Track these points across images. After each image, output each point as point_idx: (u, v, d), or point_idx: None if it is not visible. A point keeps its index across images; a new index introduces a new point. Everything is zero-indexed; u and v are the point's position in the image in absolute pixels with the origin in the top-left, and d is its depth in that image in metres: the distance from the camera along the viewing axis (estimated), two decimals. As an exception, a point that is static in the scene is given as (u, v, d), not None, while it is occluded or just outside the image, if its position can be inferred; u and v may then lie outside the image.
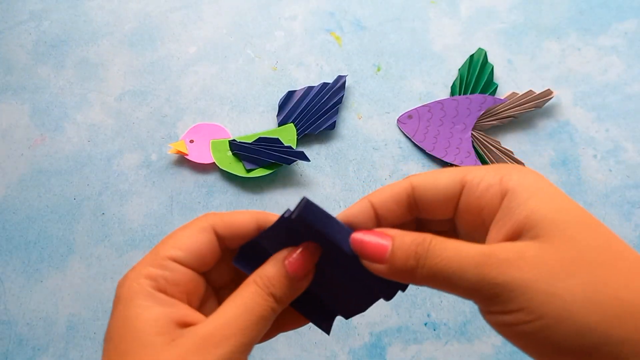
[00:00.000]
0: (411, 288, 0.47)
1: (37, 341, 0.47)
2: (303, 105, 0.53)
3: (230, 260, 0.25)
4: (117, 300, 0.22)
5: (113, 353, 0.21)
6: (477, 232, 0.21)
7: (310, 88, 0.54)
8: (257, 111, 0.55)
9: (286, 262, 0.23)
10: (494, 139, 0.52)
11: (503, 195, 0.19)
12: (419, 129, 0.53)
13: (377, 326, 0.46)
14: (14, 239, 0.50)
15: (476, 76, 0.54)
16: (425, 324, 0.46)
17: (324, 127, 0.53)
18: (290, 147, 0.51)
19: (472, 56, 0.55)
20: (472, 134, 0.52)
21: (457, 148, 0.52)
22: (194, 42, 0.58)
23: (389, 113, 0.54)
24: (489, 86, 0.54)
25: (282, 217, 0.23)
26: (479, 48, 0.55)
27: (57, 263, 0.49)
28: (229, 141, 0.52)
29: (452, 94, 0.54)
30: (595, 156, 0.51)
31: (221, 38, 0.58)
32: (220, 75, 0.56)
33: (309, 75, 0.56)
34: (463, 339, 0.45)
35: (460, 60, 0.56)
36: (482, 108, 0.52)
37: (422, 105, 0.54)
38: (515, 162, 0.51)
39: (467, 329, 0.45)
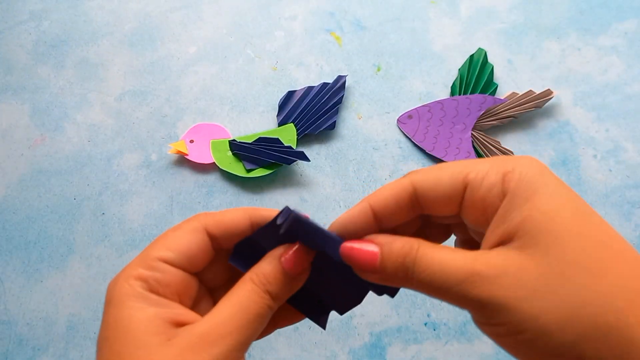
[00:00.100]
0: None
1: (37, 341, 0.47)
2: (303, 105, 0.53)
3: (225, 260, 0.25)
4: (108, 302, 0.22)
5: (108, 355, 0.20)
6: (484, 227, 0.21)
7: (310, 88, 0.54)
8: (257, 111, 0.55)
9: (282, 259, 0.23)
10: (494, 139, 0.52)
11: (504, 196, 0.19)
12: (419, 129, 0.53)
13: (377, 326, 0.46)
14: (14, 239, 0.50)
15: (476, 76, 0.54)
16: (425, 324, 0.46)
17: (324, 127, 0.53)
18: (290, 147, 0.51)
19: (472, 56, 0.55)
20: (472, 134, 0.52)
21: (457, 148, 0.52)
22: (194, 42, 0.58)
23: (389, 113, 0.54)
24: (489, 86, 0.54)
25: (275, 219, 0.23)
26: (479, 48, 0.55)
27: (57, 263, 0.49)
28: (229, 141, 0.52)
29: (452, 94, 0.54)
30: (595, 156, 0.51)
31: (221, 38, 0.58)
32: (220, 75, 0.56)
33: (309, 75, 0.56)
34: (463, 339, 0.45)
35: (460, 60, 0.56)
36: (482, 108, 0.52)
37: (422, 105, 0.54)
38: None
39: (467, 329, 0.45)
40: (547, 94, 0.52)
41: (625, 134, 0.52)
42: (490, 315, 0.18)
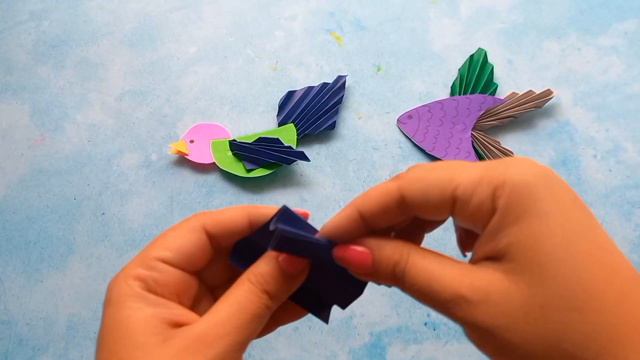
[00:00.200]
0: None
1: (37, 341, 0.47)
2: (303, 105, 0.53)
3: (226, 259, 0.25)
4: (107, 302, 0.22)
5: (106, 355, 0.20)
6: (478, 231, 0.21)
7: (310, 88, 0.54)
8: (257, 111, 0.55)
9: (280, 258, 0.22)
10: (494, 139, 0.52)
11: (493, 212, 0.19)
12: (419, 129, 0.53)
13: (377, 326, 0.46)
14: (14, 239, 0.50)
15: (476, 76, 0.54)
16: (425, 324, 0.46)
17: (324, 127, 0.53)
18: (290, 147, 0.51)
19: (472, 56, 0.55)
20: (472, 134, 0.52)
21: (457, 148, 0.52)
22: (194, 42, 0.58)
23: (389, 113, 0.54)
24: (489, 86, 0.54)
25: (271, 220, 0.23)
26: (479, 48, 0.55)
27: (57, 263, 0.49)
28: (229, 141, 0.52)
29: (452, 94, 0.54)
30: (595, 156, 0.51)
31: (221, 38, 0.58)
32: (220, 75, 0.56)
33: (309, 75, 0.56)
34: (463, 339, 0.45)
35: (460, 60, 0.56)
36: (482, 108, 0.52)
37: (422, 105, 0.54)
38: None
39: (467, 329, 0.45)
40: (547, 94, 0.52)
41: (625, 134, 0.52)
42: (476, 335, 0.19)
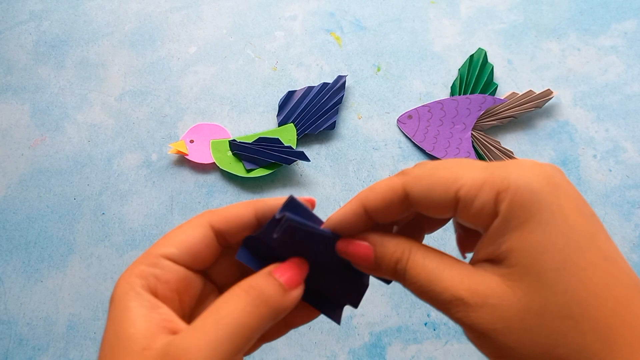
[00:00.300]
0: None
1: (37, 341, 0.47)
2: (303, 105, 0.53)
3: (234, 257, 0.25)
4: (111, 299, 0.22)
5: (101, 354, 0.21)
6: (481, 230, 0.21)
7: (310, 88, 0.54)
8: (257, 111, 0.55)
9: (276, 273, 0.22)
10: (494, 139, 0.52)
11: (496, 216, 0.19)
12: (419, 129, 0.53)
13: (377, 326, 0.46)
14: (14, 239, 0.50)
15: (476, 76, 0.54)
16: (425, 324, 0.46)
17: (324, 127, 0.53)
18: (290, 147, 0.51)
19: (472, 56, 0.55)
20: (472, 134, 0.52)
21: (457, 148, 0.52)
22: (194, 42, 0.58)
23: (389, 113, 0.54)
24: (489, 86, 0.54)
25: (274, 217, 0.22)
26: (479, 48, 0.55)
27: (57, 263, 0.49)
28: (229, 141, 0.52)
29: (452, 94, 0.54)
30: (595, 156, 0.51)
31: (221, 38, 0.58)
32: (220, 75, 0.56)
33: (309, 75, 0.56)
34: (463, 339, 0.45)
35: (460, 60, 0.56)
36: (482, 108, 0.53)
37: (422, 105, 0.54)
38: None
39: (467, 329, 0.45)
40: (547, 94, 0.52)
41: (625, 134, 0.52)
42: (474, 336, 0.19)
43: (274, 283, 0.21)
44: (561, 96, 0.54)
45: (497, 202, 0.18)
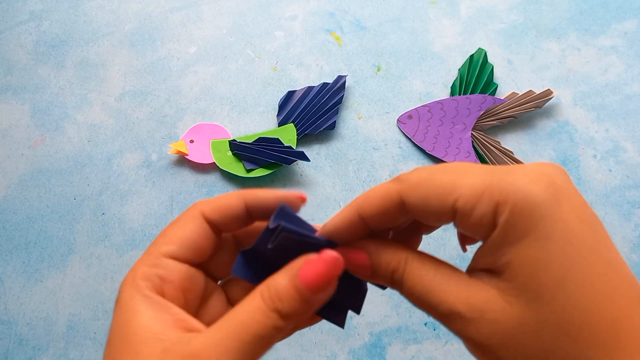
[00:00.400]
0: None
1: (37, 341, 0.47)
2: (303, 105, 0.53)
3: (231, 249, 0.25)
4: (116, 302, 0.21)
5: (110, 358, 0.20)
6: (479, 240, 0.21)
7: (310, 88, 0.54)
8: (257, 111, 0.55)
9: (300, 272, 0.20)
10: (494, 139, 0.52)
11: (494, 227, 0.18)
12: (419, 129, 0.53)
13: (377, 326, 0.46)
14: (14, 239, 0.50)
15: (476, 76, 0.54)
16: (425, 324, 0.46)
17: (324, 127, 0.53)
18: (290, 147, 0.51)
19: (472, 56, 0.55)
20: (472, 134, 0.52)
21: (457, 148, 0.52)
22: (194, 42, 0.58)
23: (389, 113, 0.54)
24: (489, 86, 0.54)
25: (267, 229, 0.22)
26: (479, 48, 0.55)
27: (57, 263, 0.49)
28: (229, 141, 0.52)
29: (452, 94, 0.54)
30: (595, 156, 0.51)
31: (221, 38, 0.58)
32: (220, 75, 0.56)
33: (309, 75, 0.56)
34: (463, 339, 0.45)
35: (460, 60, 0.56)
36: (482, 108, 0.53)
37: (422, 105, 0.54)
38: (515, 162, 0.51)
39: (467, 329, 0.45)
40: (547, 94, 0.52)
41: (625, 134, 0.52)
42: (471, 347, 0.19)
43: (294, 295, 0.20)
44: (561, 96, 0.54)
45: (496, 214, 0.18)
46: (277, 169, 0.51)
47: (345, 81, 0.54)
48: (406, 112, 0.53)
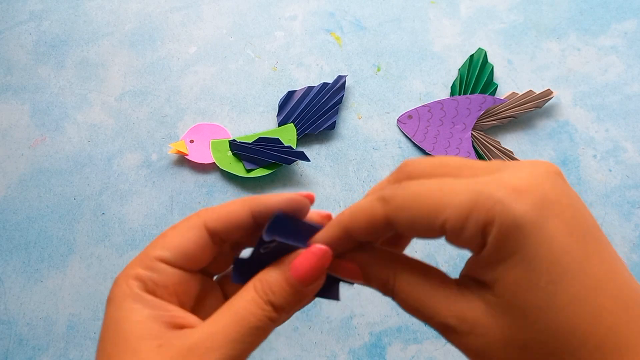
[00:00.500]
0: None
1: (37, 341, 0.47)
2: (303, 105, 0.53)
3: (231, 252, 0.25)
4: (107, 302, 0.21)
5: (102, 356, 0.20)
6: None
7: (310, 88, 0.54)
8: (257, 111, 0.55)
9: (291, 266, 0.21)
10: (494, 139, 0.52)
11: (483, 245, 0.18)
12: (419, 129, 0.53)
13: (377, 326, 0.46)
14: (14, 239, 0.50)
15: (476, 76, 0.54)
16: (425, 324, 0.46)
17: (324, 127, 0.53)
18: (290, 147, 0.51)
19: (472, 56, 0.55)
20: (472, 134, 0.52)
21: (457, 148, 0.52)
22: (194, 42, 0.58)
23: (389, 113, 0.54)
24: (489, 86, 0.54)
25: (262, 239, 0.22)
26: (479, 48, 0.55)
27: (57, 263, 0.49)
28: (229, 141, 0.52)
29: (452, 94, 0.54)
30: (595, 156, 0.51)
31: (221, 38, 0.58)
32: (221, 75, 0.56)
33: (309, 75, 0.56)
34: (463, 339, 0.45)
35: (460, 60, 0.56)
36: (482, 108, 0.53)
37: (422, 105, 0.54)
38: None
39: (467, 329, 0.45)
40: (547, 94, 0.52)
41: (625, 134, 0.52)
42: (466, 355, 0.20)
43: (286, 287, 0.21)
44: (561, 96, 0.54)
45: (484, 234, 0.18)
46: (277, 169, 0.51)
47: (345, 81, 0.54)
48: (406, 112, 0.53)
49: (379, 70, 0.56)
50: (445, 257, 0.48)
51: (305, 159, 0.50)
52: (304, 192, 0.23)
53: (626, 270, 0.18)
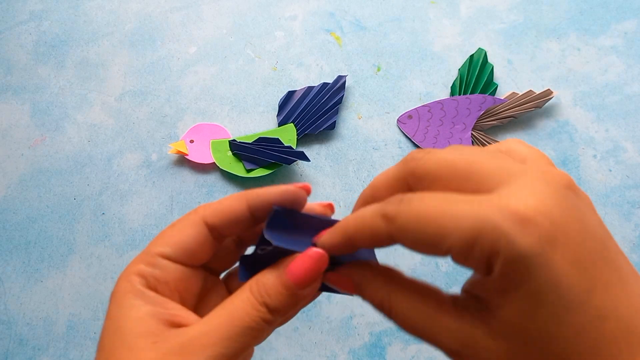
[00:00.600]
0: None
1: (37, 341, 0.47)
2: (303, 105, 0.53)
3: (231, 246, 0.25)
4: (110, 297, 0.22)
5: (100, 351, 0.21)
6: None
7: (310, 88, 0.54)
8: (257, 111, 0.55)
9: (287, 269, 0.21)
10: (494, 139, 0.52)
11: (489, 272, 0.18)
12: (419, 129, 0.53)
13: (377, 326, 0.46)
14: (14, 239, 0.50)
15: (476, 76, 0.54)
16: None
17: (324, 127, 0.53)
18: (290, 147, 0.51)
19: (472, 56, 0.55)
20: (472, 134, 0.52)
21: (457, 148, 0.52)
22: (194, 42, 0.58)
23: (389, 113, 0.54)
24: (489, 86, 0.54)
25: (262, 236, 0.22)
26: (479, 48, 0.55)
27: (57, 263, 0.49)
28: (229, 141, 0.52)
29: (452, 94, 0.54)
30: (595, 156, 0.51)
31: (221, 38, 0.58)
32: (221, 75, 0.56)
33: (309, 75, 0.56)
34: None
35: (460, 60, 0.56)
36: (482, 108, 0.53)
37: (422, 105, 0.54)
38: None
39: (467, 329, 0.45)
40: (547, 94, 0.52)
41: (625, 134, 0.52)
42: None
43: (281, 290, 0.21)
44: (561, 96, 0.54)
45: (489, 265, 0.18)
46: (277, 169, 0.51)
47: (345, 81, 0.54)
48: (406, 112, 0.54)
49: (379, 70, 0.56)
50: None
51: (305, 159, 0.50)
52: (299, 183, 0.23)
53: (634, 291, 0.18)
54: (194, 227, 0.23)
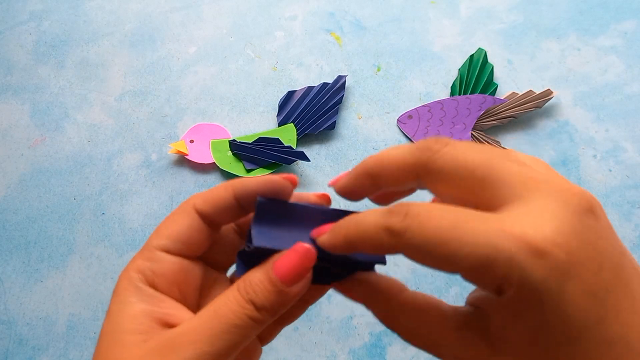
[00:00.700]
0: (410, 286, 0.47)
1: (37, 341, 0.47)
2: (303, 105, 0.53)
3: (230, 239, 0.25)
4: (113, 293, 0.22)
5: (98, 348, 0.21)
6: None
7: (310, 88, 0.54)
8: (257, 111, 0.55)
9: (274, 267, 0.21)
10: (494, 139, 0.52)
11: (499, 293, 0.17)
12: (419, 129, 0.53)
13: (377, 326, 0.46)
14: (14, 239, 0.50)
15: (476, 76, 0.54)
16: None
17: (324, 127, 0.53)
18: (290, 147, 0.51)
19: (472, 56, 0.55)
20: (472, 134, 0.52)
21: (457, 148, 0.52)
22: (194, 42, 0.58)
23: (389, 113, 0.54)
24: (489, 86, 0.54)
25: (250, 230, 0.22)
26: (479, 48, 0.55)
27: (57, 263, 0.49)
28: (229, 141, 0.52)
29: (452, 94, 0.54)
30: (595, 156, 0.51)
31: (221, 38, 0.58)
32: (220, 75, 0.56)
33: (309, 75, 0.56)
34: (463, 339, 0.45)
35: (460, 60, 0.56)
36: (482, 108, 0.53)
37: (422, 105, 0.54)
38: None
39: (467, 329, 0.45)
40: (547, 94, 0.52)
41: (624, 134, 0.52)
42: None
43: (268, 287, 0.21)
44: (561, 96, 0.54)
45: (499, 290, 0.17)
46: (277, 169, 0.51)
47: (345, 81, 0.54)
48: (406, 112, 0.54)
49: (379, 70, 0.56)
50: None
51: (305, 159, 0.50)
52: (285, 173, 0.23)
53: None
54: (187, 216, 0.23)
